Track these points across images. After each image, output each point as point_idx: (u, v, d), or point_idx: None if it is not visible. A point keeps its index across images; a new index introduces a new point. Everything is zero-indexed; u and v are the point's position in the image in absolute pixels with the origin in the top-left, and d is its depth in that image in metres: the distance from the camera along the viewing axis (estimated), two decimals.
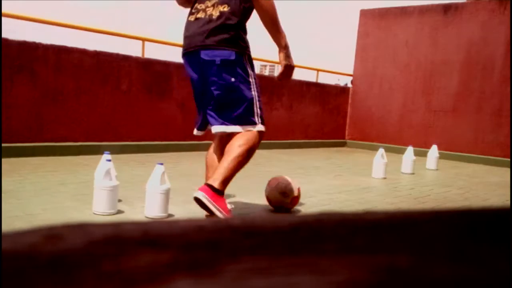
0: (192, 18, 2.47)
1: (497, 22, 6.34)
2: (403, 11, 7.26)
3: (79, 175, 3.35)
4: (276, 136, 6.59)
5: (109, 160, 2.34)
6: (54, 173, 3.38)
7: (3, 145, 3.90)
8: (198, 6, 2.44)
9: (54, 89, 4.28)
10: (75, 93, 4.42)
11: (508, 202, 3.52)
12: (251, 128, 2.61)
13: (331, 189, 3.54)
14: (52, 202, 2.52)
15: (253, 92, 2.47)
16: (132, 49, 5.21)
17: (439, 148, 5.72)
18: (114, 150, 4.28)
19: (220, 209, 2.29)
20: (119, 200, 2.48)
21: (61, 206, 2.46)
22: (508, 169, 5.61)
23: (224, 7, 2.34)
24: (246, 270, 0.18)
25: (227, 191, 3.17)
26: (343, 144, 7.74)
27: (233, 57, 2.34)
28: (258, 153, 5.75)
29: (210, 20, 2.35)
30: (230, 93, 2.41)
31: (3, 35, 3.94)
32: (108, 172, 2.30)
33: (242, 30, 2.38)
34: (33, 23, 4.53)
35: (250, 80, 2.45)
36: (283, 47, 2.41)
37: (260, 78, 6.59)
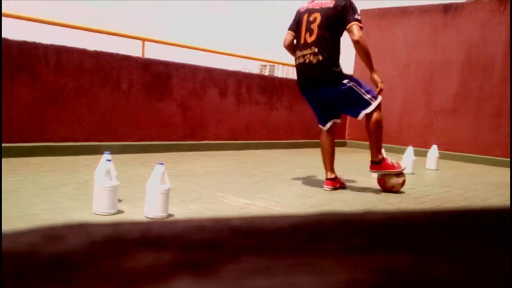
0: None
1: (496, 22, 6.34)
2: (403, 11, 7.27)
3: (79, 175, 3.35)
4: (276, 136, 6.59)
5: (109, 160, 2.34)
6: (54, 173, 3.38)
7: (3, 145, 3.90)
8: None
9: (54, 89, 4.28)
10: (75, 93, 4.43)
11: (508, 202, 3.52)
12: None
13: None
14: (52, 202, 2.52)
15: None
16: (132, 49, 5.21)
17: (439, 148, 5.72)
18: (114, 150, 4.28)
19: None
20: (119, 200, 2.48)
21: (61, 206, 2.46)
22: (508, 169, 5.61)
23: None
24: (246, 270, 0.18)
25: (227, 190, 3.17)
26: (343, 144, 7.74)
27: None
28: (258, 153, 5.78)
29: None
30: None
31: (3, 35, 3.94)
32: (108, 172, 2.30)
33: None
34: (33, 23, 4.53)
35: None
36: (375, 71, 3.46)
37: (260, 78, 6.61)
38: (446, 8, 6.81)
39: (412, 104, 7.12)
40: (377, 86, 3.43)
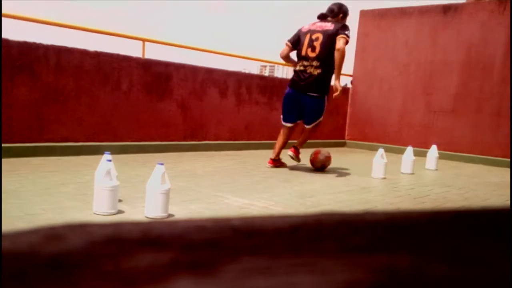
0: None
1: (496, 23, 6.34)
2: (403, 12, 7.27)
3: (80, 175, 3.35)
4: (276, 136, 6.58)
5: (110, 160, 2.34)
6: (55, 173, 3.38)
7: (3, 145, 3.90)
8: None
9: (55, 89, 4.28)
10: (76, 93, 4.43)
11: (508, 202, 3.52)
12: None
13: (331, 189, 3.54)
14: (53, 202, 2.52)
15: None
16: (132, 49, 5.22)
17: (438, 148, 5.72)
18: (114, 150, 4.28)
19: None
20: (120, 200, 2.48)
21: (62, 206, 2.46)
22: (508, 169, 5.61)
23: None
24: (246, 270, 0.18)
25: (227, 190, 3.17)
26: (343, 144, 7.74)
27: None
28: (258, 153, 5.78)
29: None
30: None
31: (3, 35, 3.94)
32: (108, 172, 2.30)
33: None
34: (33, 24, 4.53)
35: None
36: (339, 79, 4.26)
37: (260, 79, 6.61)
38: (445, 8, 6.81)
39: (412, 104, 7.12)
40: (336, 91, 4.27)
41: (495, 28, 6.34)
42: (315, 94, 4.30)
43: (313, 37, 4.17)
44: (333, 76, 4.32)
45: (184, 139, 5.41)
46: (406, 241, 0.22)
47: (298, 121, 4.56)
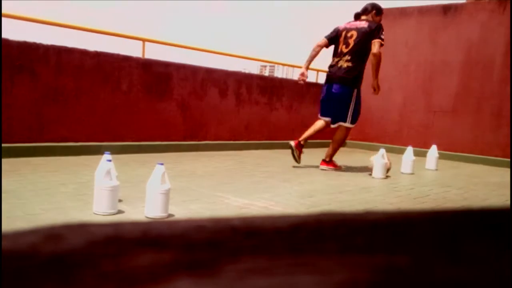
0: None
1: (496, 23, 6.34)
2: (403, 12, 7.26)
3: (80, 175, 3.35)
4: (276, 136, 6.59)
5: (110, 160, 2.34)
6: (55, 173, 3.38)
7: (3, 145, 3.90)
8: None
9: (55, 89, 4.29)
10: (76, 93, 4.43)
11: (508, 202, 3.52)
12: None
13: (331, 189, 3.54)
14: (53, 202, 2.52)
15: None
16: (132, 49, 5.21)
17: (438, 148, 5.71)
18: (114, 150, 4.28)
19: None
20: (120, 200, 2.48)
21: (62, 206, 2.46)
22: (508, 169, 5.61)
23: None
24: (246, 270, 0.18)
25: (227, 190, 3.17)
26: (342, 144, 7.74)
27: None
28: (258, 153, 5.78)
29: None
30: None
31: (3, 35, 3.94)
32: (108, 172, 2.30)
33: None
34: (33, 24, 4.53)
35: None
36: (377, 79, 4.61)
37: (260, 79, 6.61)
38: (445, 8, 6.81)
39: (412, 104, 7.12)
40: (374, 90, 4.66)
41: (495, 28, 6.34)
42: (342, 84, 4.49)
43: (348, 34, 4.47)
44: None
45: (184, 139, 5.41)
46: (406, 241, 0.22)
47: (330, 118, 4.73)
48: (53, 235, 0.21)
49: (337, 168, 4.67)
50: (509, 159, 6.01)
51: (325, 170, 4.58)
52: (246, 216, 0.24)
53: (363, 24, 4.45)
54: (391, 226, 0.24)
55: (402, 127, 7.24)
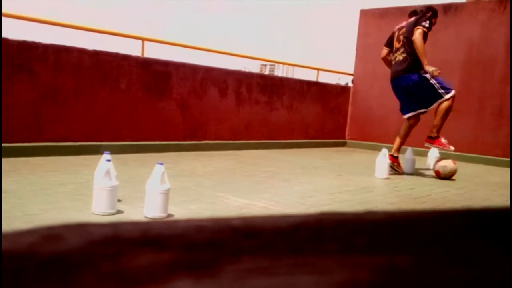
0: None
1: (497, 22, 6.34)
2: (403, 11, 7.26)
3: (79, 175, 3.35)
4: (276, 136, 6.59)
5: (109, 160, 2.34)
6: (54, 173, 3.38)
7: (2, 144, 3.90)
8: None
9: (54, 88, 4.28)
10: (75, 92, 4.43)
11: (508, 202, 3.52)
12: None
13: (331, 189, 3.54)
14: (52, 202, 2.52)
15: None
16: (131, 48, 5.21)
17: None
18: (113, 150, 4.28)
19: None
20: (119, 200, 2.48)
21: (61, 206, 2.46)
22: (508, 169, 5.61)
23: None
24: (246, 270, 0.18)
25: (227, 190, 3.17)
26: (343, 144, 7.74)
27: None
28: (258, 153, 5.78)
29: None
30: None
31: (3, 35, 3.94)
32: (107, 172, 2.30)
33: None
34: (33, 23, 4.53)
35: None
36: (425, 64, 4.47)
37: (260, 77, 6.61)
38: (446, 8, 6.81)
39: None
40: (433, 74, 4.48)
41: (496, 28, 6.34)
42: (402, 74, 4.58)
43: (400, 32, 4.68)
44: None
45: (184, 138, 5.41)
46: (406, 241, 0.22)
47: (416, 111, 4.75)
48: (52, 235, 0.21)
49: (445, 147, 4.66)
50: (509, 159, 6.01)
51: (430, 147, 4.68)
52: (246, 216, 0.24)
53: (412, 20, 4.59)
54: (391, 226, 0.23)
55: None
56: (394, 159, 4.63)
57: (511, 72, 6.15)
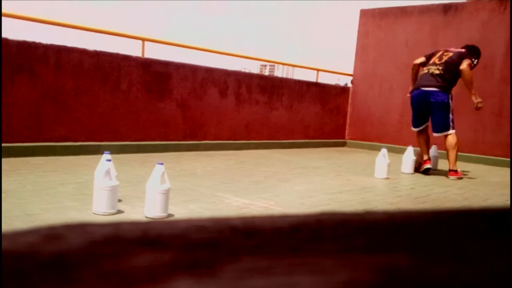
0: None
1: (497, 22, 6.34)
2: (403, 11, 7.26)
3: (79, 175, 3.35)
4: (276, 136, 6.59)
5: (109, 160, 2.34)
6: (54, 173, 3.38)
7: (2, 144, 3.90)
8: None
9: (54, 88, 4.28)
10: (75, 93, 4.43)
11: (508, 202, 3.52)
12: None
13: (331, 189, 3.54)
14: (52, 202, 2.52)
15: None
16: (132, 49, 5.20)
17: (439, 148, 5.71)
18: (114, 150, 4.28)
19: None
20: (119, 200, 2.48)
21: (61, 206, 2.46)
22: (508, 169, 5.61)
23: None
24: (246, 270, 0.18)
25: (227, 190, 3.17)
26: (343, 144, 7.74)
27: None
28: (258, 153, 5.78)
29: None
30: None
31: (3, 35, 3.94)
32: (108, 172, 2.30)
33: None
34: (33, 23, 4.53)
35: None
36: (473, 94, 4.81)
37: (260, 78, 6.61)
38: (446, 8, 6.81)
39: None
40: (476, 106, 4.82)
41: (496, 28, 6.34)
42: (435, 89, 4.72)
43: (445, 53, 4.88)
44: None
45: (184, 138, 5.41)
46: (406, 241, 0.22)
47: (425, 124, 4.96)
48: (53, 235, 0.21)
49: (460, 176, 4.71)
50: (509, 159, 6.01)
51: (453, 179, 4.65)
52: (246, 216, 0.24)
53: (462, 51, 4.86)
54: (391, 226, 0.24)
55: (402, 127, 7.23)
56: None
57: (511, 72, 6.15)
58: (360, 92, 7.72)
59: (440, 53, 4.90)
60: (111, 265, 0.18)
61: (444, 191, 3.86)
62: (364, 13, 7.69)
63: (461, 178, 4.66)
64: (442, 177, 4.74)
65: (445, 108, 4.69)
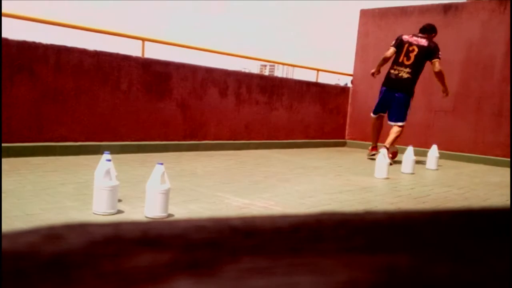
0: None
1: (497, 22, 6.34)
2: (403, 11, 7.26)
3: (79, 175, 3.35)
4: (276, 136, 6.59)
5: (109, 160, 2.34)
6: (54, 173, 3.38)
7: (2, 144, 3.90)
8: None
9: (54, 88, 4.28)
10: (75, 93, 4.43)
11: (508, 202, 3.52)
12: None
13: (331, 189, 3.54)
14: (52, 202, 2.52)
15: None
16: (132, 49, 5.20)
17: (439, 148, 5.71)
18: (114, 150, 4.28)
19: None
20: (119, 200, 2.48)
21: (61, 206, 2.46)
22: (508, 169, 5.61)
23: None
24: (246, 270, 0.18)
25: (227, 190, 3.17)
26: (343, 144, 7.74)
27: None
28: (258, 153, 5.78)
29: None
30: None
31: (3, 35, 3.94)
32: (108, 172, 2.30)
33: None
34: (33, 23, 4.53)
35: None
36: (446, 85, 5.54)
37: (260, 78, 6.61)
38: (446, 8, 6.81)
39: (412, 103, 7.11)
40: (445, 93, 5.60)
41: (496, 28, 6.34)
42: (401, 93, 5.43)
43: (410, 48, 5.31)
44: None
45: (184, 138, 5.41)
46: (406, 241, 0.22)
47: (382, 114, 5.72)
48: (53, 235, 0.21)
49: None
50: (509, 159, 6.01)
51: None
52: (246, 216, 0.24)
53: (423, 42, 5.31)
54: (391, 226, 0.24)
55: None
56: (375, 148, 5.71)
57: (511, 72, 6.15)
58: (360, 92, 7.71)
59: (406, 47, 5.33)
60: (111, 265, 0.18)
61: (444, 191, 3.86)
62: (364, 13, 7.69)
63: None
64: (443, 177, 4.74)
65: (406, 105, 5.47)
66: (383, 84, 5.60)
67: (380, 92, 5.66)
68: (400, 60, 5.37)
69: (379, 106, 5.68)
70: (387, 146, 5.22)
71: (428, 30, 5.44)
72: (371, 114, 5.77)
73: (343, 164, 5.19)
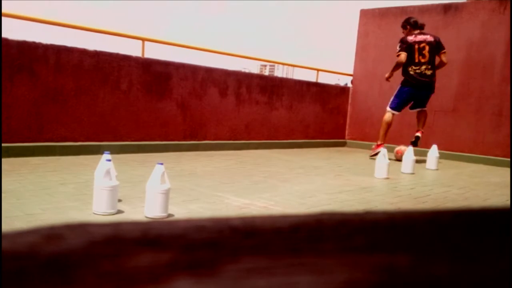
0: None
1: (497, 22, 6.34)
2: (403, 11, 7.26)
3: (79, 175, 3.35)
4: (276, 136, 6.59)
5: (109, 160, 2.34)
6: (54, 173, 3.38)
7: (3, 145, 3.90)
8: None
9: (54, 89, 4.28)
10: (75, 93, 4.43)
11: (508, 202, 3.52)
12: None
13: (331, 189, 3.54)
14: (52, 202, 2.52)
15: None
16: (132, 49, 5.20)
17: (439, 148, 5.71)
18: (114, 150, 4.28)
19: None
20: (119, 200, 2.48)
21: (61, 206, 2.46)
22: (508, 169, 5.61)
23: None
24: (246, 270, 0.18)
25: (227, 190, 3.17)
26: (343, 144, 7.74)
27: None
28: (258, 153, 5.78)
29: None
30: None
31: (3, 35, 3.94)
32: (108, 172, 2.30)
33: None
34: (33, 23, 4.52)
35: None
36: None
37: (260, 78, 6.61)
38: (446, 7, 6.81)
39: None
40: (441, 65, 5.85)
41: (496, 28, 6.34)
42: (430, 92, 5.73)
43: (420, 46, 5.55)
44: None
45: (184, 138, 5.41)
46: (406, 241, 0.22)
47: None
48: (53, 235, 0.21)
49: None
50: (509, 159, 6.01)
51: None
52: (246, 216, 0.24)
53: (428, 38, 5.59)
54: (391, 226, 0.24)
55: (402, 127, 7.23)
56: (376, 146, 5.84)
57: (511, 72, 6.15)
58: (360, 92, 7.71)
59: (416, 47, 5.56)
60: (111, 265, 0.18)
61: (444, 191, 3.86)
62: (364, 13, 7.69)
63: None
64: (443, 177, 4.74)
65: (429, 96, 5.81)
66: (406, 85, 5.68)
67: (403, 92, 5.73)
68: (417, 60, 5.54)
69: (404, 103, 5.83)
70: (422, 130, 5.85)
71: (422, 25, 5.71)
72: (392, 111, 5.84)
73: (343, 164, 5.19)
